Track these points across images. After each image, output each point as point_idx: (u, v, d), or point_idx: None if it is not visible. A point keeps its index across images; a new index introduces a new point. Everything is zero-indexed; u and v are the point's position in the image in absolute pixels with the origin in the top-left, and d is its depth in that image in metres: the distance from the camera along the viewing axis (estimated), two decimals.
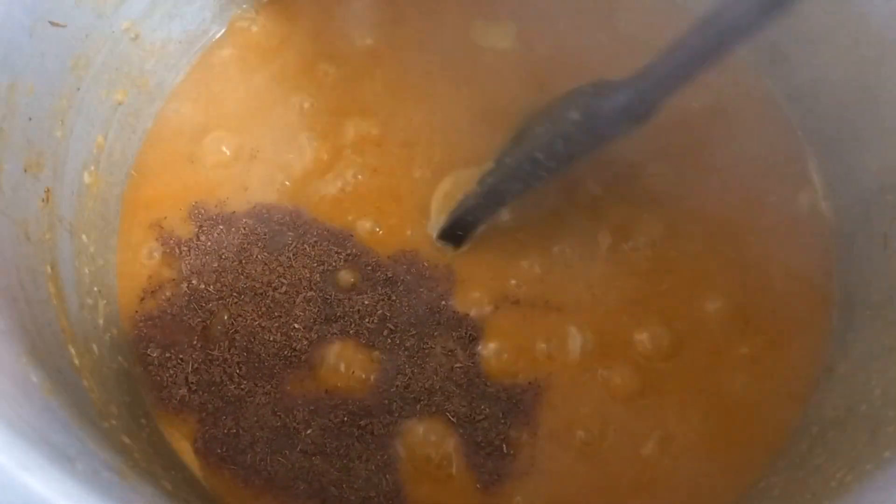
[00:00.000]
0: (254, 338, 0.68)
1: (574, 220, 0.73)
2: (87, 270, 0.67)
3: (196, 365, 0.68)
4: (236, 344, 0.68)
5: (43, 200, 0.62)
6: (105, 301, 0.69)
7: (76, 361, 0.60)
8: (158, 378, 0.68)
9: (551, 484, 0.65)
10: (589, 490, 0.65)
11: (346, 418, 0.66)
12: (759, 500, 0.63)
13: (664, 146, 0.75)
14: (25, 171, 0.60)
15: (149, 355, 0.69)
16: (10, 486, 0.40)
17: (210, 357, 0.68)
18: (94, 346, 0.64)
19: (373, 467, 0.65)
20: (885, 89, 0.67)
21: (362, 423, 0.66)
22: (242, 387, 0.67)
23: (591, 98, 0.59)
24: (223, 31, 0.81)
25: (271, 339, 0.68)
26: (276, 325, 0.69)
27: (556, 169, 0.63)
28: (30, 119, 0.60)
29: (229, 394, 0.67)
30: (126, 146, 0.74)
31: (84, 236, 0.68)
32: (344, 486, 0.65)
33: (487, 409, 0.66)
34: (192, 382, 0.68)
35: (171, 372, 0.68)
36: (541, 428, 0.66)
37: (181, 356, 0.69)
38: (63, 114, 0.65)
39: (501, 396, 0.67)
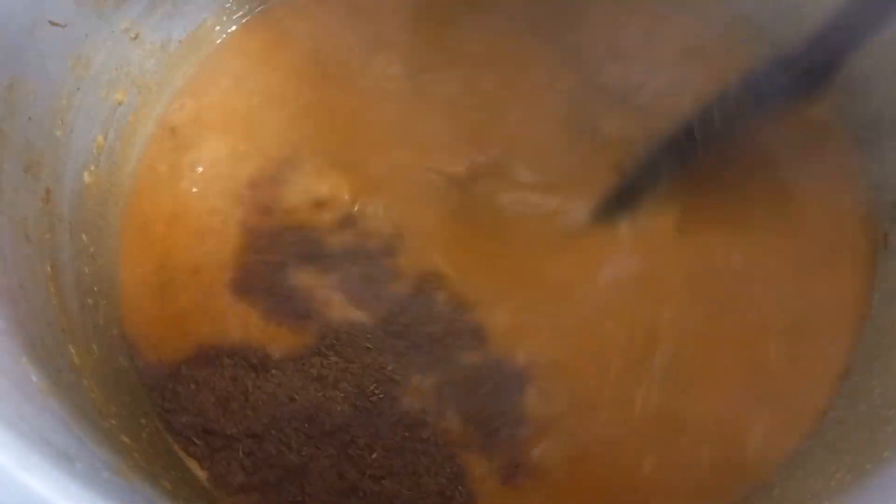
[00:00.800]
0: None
1: None
2: (87, 270, 0.67)
3: (248, 449, 0.65)
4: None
5: (43, 200, 0.62)
6: (105, 301, 0.69)
7: (76, 361, 0.60)
8: (209, 478, 0.65)
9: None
10: (588, 491, 0.65)
11: (407, 434, 0.65)
12: (759, 499, 0.63)
13: None
14: (25, 171, 0.60)
15: (195, 475, 0.65)
16: (10, 485, 0.40)
17: (258, 432, 0.66)
18: (94, 346, 0.64)
19: (444, 480, 0.64)
20: (884, 88, 0.67)
21: (424, 435, 0.65)
22: (303, 453, 0.65)
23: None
24: (224, 30, 0.81)
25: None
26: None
27: (707, 142, 0.61)
28: (29, 119, 0.60)
29: (290, 463, 0.65)
30: (126, 146, 0.74)
31: (84, 236, 0.68)
32: (418, 503, 0.64)
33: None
34: (247, 466, 0.65)
35: (223, 465, 0.65)
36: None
37: (229, 446, 0.65)
38: (63, 114, 0.65)
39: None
